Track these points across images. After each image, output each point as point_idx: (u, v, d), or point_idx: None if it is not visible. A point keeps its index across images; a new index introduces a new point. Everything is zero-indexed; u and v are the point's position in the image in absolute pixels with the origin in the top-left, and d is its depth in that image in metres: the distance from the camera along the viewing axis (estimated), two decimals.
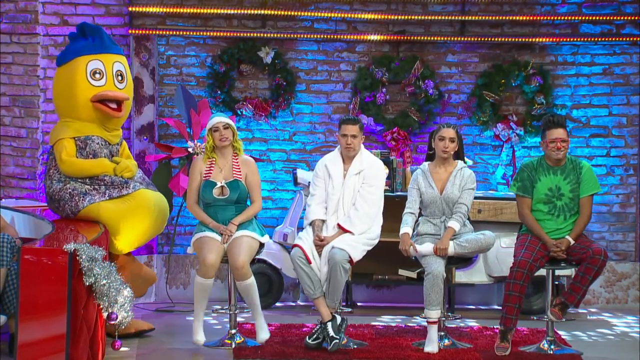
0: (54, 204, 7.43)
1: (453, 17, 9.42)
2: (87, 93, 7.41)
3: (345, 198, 7.42)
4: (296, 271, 7.30)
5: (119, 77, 7.54)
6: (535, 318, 7.61)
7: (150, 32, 9.16)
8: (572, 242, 7.19)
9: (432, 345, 7.21)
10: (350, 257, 7.24)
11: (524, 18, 9.43)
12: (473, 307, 9.28)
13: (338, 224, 7.38)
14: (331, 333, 7.15)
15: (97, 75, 7.45)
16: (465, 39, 9.46)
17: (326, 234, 7.38)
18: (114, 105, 7.47)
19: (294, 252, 7.31)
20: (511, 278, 7.14)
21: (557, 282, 8.67)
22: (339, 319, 7.25)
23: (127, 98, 7.56)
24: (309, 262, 7.25)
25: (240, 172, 7.36)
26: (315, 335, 7.22)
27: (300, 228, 8.24)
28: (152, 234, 7.62)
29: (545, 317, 7.32)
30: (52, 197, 7.41)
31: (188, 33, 9.32)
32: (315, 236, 7.33)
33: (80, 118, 7.44)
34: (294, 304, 9.24)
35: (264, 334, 7.26)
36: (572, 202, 7.27)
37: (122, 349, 6.86)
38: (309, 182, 7.81)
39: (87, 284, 6.08)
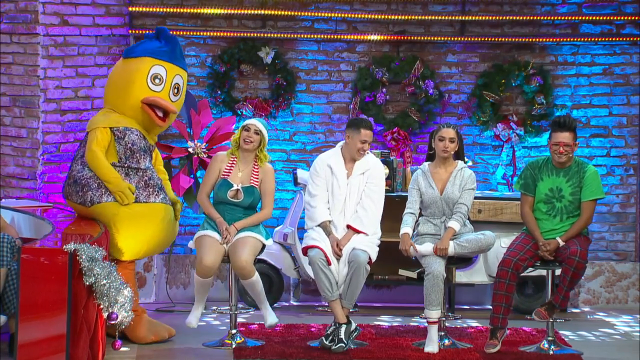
0: (75, 187, 7.39)
1: (453, 17, 9.42)
2: (141, 93, 7.48)
3: (351, 197, 7.42)
4: (315, 273, 7.26)
5: (175, 90, 7.62)
6: (531, 318, 7.60)
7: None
8: (562, 243, 7.19)
9: (432, 345, 7.21)
10: (370, 257, 7.26)
11: (524, 18, 9.43)
12: (473, 307, 9.28)
13: (349, 226, 7.38)
14: (341, 336, 7.17)
15: (157, 81, 7.52)
16: (465, 39, 9.46)
17: (335, 233, 7.37)
18: (160, 114, 7.53)
19: (314, 253, 7.27)
20: (497, 277, 7.20)
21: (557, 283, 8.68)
22: (353, 325, 7.26)
23: (175, 111, 7.64)
24: (329, 263, 7.25)
25: (257, 179, 7.39)
26: (331, 337, 7.21)
27: (300, 228, 8.24)
28: (156, 251, 7.70)
29: (530, 316, 7.34)
30: (76, 180, 7.39)
31: (188, 33, 9.32)
32: (334, 241, 7.30)
33: (124, 112, 7.50)
34: (289, 304, 9.22)
35: (272, 319, 7.31)
36: (571, 204, 7.27)
37: (122, 349, 6.86)
38: None
39: (87, 284, 6.08)
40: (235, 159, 7.45)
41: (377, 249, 7.42)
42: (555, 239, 7.23)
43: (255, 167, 7.43)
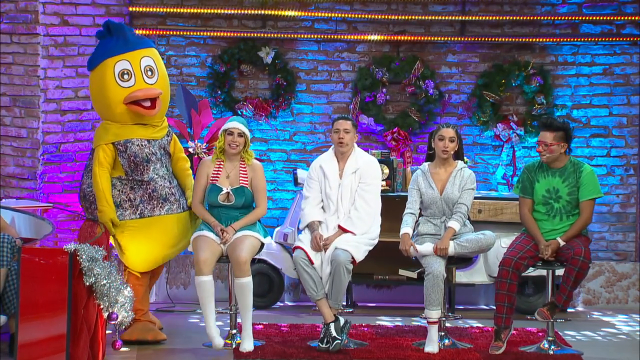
0: (84, 202, 7.52)
1: (453, 17, 9.42)
2: (118, 96, 7.39)
3: (343, 198, 7.42)
4: (298, 273, 7.28)
5: (149, 73, 7.49)
6: (533, 318, 7.60)
7: (151, 32, 9.16)
8: (562, 243, 7.19)
9: (432, 346, 7.21)
10: (353, 257, 7.24)
11: (524, 18, 9.43)
12: (473, 307, 9.28)
13: (339, 225, 7.38)
14: (334, 334, 7.16)
15: (126, 76, 7.41)
16: (466, 39, 9.46)
17: (326, 234, 7.37)
18: (147, 104, 7.44)
19: (296, 254, 7.30)
20: (498, 276, 7.22)
21: (558, 283, 8.68)
22: (342, 320, 7.25)
23: (159, 93, 7.48)
24: (312, 263, 7.25)
25: (246, 178, 7.36)
26: (325, 340, 7.21)
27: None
28: (168, 258, 7.71)
29: (533, 316, 7.34)
30: (85, 195, 7.48)
31: (188, 33, 9.32)
32: (315, 237, 7.31)
33: (119, 120, 7.46)
34: (289, 304, 9.22)
35: (248, 344, 7.16)
36: (569, 204, 7.28)
37: (122, 349, 6.86)
38: None
39: (88, 284, 6.09)
40: (222, 163, 7.41)
41: (367, 248, 7.38)
42: (555, 239, 7.23)
43: (243, 166, 7.40)
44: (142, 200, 7.39)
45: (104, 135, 7.43)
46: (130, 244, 7.36)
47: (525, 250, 7.24)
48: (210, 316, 7.16)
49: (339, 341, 7.14)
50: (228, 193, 7.32)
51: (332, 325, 7.18)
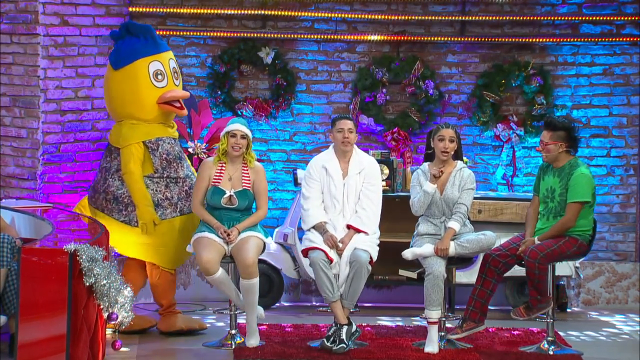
0: (116, 205, 7.49)
1: (453, 18, 9.42)
2: (152, 95, 7.54)
3: (349, 198, 7.42)
4: (315, 274, 7.25)
5: (175, 75, 7.69)
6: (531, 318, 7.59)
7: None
8: (538, 242, 7.18)
9: (432, 346, 7.22)
10: (371, 257, 7.26)
11: (524, 18, 9.43)
12: None
13: (350, 225, 7.37)
14: (343, 337, 7.17)
15: (160, 77, 7.57)
16: (466, 39, 9.46)
17: (334, 234, 7.35)
18: (178, 104, 7.61)
19: (315, 255, 7.26)
20: (478, 271, 7.21)
21: (560, 282, 8.69)
22: (354, 326, 7.26)
23: (188, 96, 7.76)
24: (331, 262, 7.24)
25: (249, 180, 7.37)
26: (332, 338, 7.20)
27: (301, 229, 8.23)
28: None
29: (512, 313, 7.36)
30: (117, 198, 7.48)
31: (188, 33, 9.32)
32: (329, 237, 7.30)
33: (146, 119, 7.55)
34: (289, 304, 9.22)
35: (254, 340, 7.24)
36: (559, 205, 7.28)
37: (122, 349, 6.86)
38: None
39: (88, 284, 6.09)
40: (224, 165, 7.41)
41: (378, 248, 7.42)
42: (533, 238, 7.24)
43: (245, 169, 7.40)
44: (179, 198, 7.49)
45: (133, 133, 7.48)
46: (170, 242, 7.47)
47: (509, 248, 7.26)
48: (237, 299, 7.31)
49: (345, 346, 7.14)
50: (231, 196, 7.31)
51: (344, 328, 7.19)
